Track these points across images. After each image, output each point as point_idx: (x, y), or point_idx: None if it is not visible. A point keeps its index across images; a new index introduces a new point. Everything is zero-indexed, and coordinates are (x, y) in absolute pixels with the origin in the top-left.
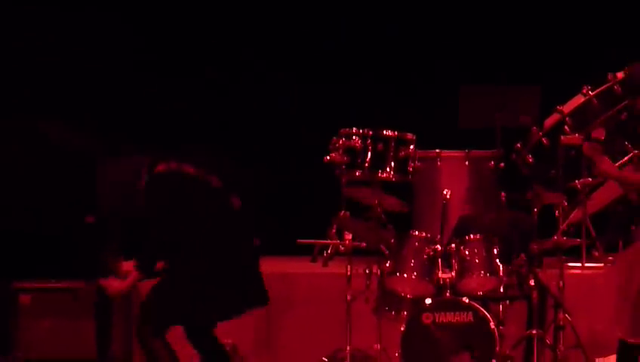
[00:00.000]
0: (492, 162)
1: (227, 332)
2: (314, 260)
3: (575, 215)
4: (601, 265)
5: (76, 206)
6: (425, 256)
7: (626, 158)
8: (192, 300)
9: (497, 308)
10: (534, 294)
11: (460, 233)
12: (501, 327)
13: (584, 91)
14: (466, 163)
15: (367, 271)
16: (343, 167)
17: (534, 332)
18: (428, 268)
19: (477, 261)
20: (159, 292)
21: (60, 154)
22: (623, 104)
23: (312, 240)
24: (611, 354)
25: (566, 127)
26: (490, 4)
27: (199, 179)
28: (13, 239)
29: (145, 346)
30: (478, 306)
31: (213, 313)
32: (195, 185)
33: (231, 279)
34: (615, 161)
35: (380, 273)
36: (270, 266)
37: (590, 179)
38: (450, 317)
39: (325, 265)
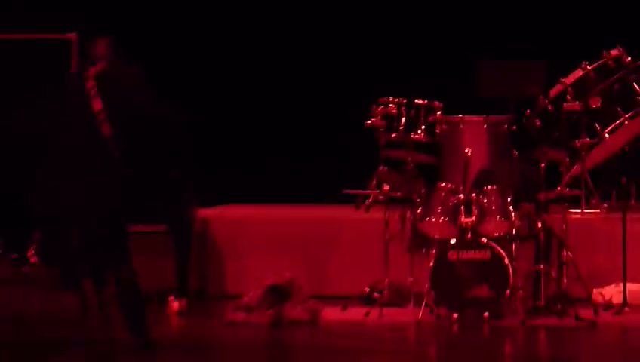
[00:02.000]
0: (506, 125)
1: (287, 268)
2: (357, 207)
3: (575, 169)
4: (598, 211)
5: (163, 163)
6: (450, 204)
7: (617, 122)
8: None
9: (511, 247)
10: (541, 235)
11: (479, 184)
12: (514, 263)
13: (583, 66)
14: (484, 126)
15: (401, 217)
16: (382, 130)
17: (541, 267)
18: (452, 214)
19: (493, 208)
20: None
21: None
22: (615, 77)
23: (356, 191)
24: (606, 285)
25: (568, 97)
26: None
27: None
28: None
29: None
30: (494, 245)
31: None
32: None
33: None
34: (609, 124)
35: (413, 218)
36: (322, 212)
37: (588, 140)
38: (471, 255)
39: (367, 211)
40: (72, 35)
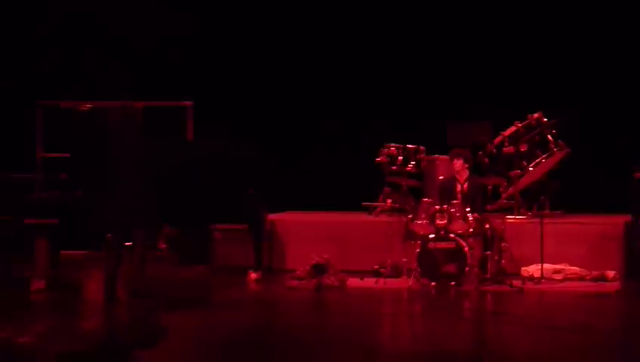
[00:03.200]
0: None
1: (324, 252)
2: (370, 213)
3: (510, 190)
4: (524, 217)
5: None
6: (430, 212)
7: (537, 160)
8: None
9: (468, 240)
10: (488, 232)
11: (445, 198)
12: (470, 250)
13: (515, 124)
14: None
15: (398, 219)
16: (386, 164)
17: (488, 253)
18: (431, 218)
19: (458, 214)
20: None
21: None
22: (536, 131)
23: (369, 203)
24: (530, 264)
25: (505, 143)
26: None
27: None
28: (213, 205)
29: None
30: (458, 239)
31: None
32: None
33: None
34: (531, 161)
35: (406, 221)
36: (347, 216)
37: (519, 171)
38: (443, 245)
39: (377, 216)
40: (188, 103)
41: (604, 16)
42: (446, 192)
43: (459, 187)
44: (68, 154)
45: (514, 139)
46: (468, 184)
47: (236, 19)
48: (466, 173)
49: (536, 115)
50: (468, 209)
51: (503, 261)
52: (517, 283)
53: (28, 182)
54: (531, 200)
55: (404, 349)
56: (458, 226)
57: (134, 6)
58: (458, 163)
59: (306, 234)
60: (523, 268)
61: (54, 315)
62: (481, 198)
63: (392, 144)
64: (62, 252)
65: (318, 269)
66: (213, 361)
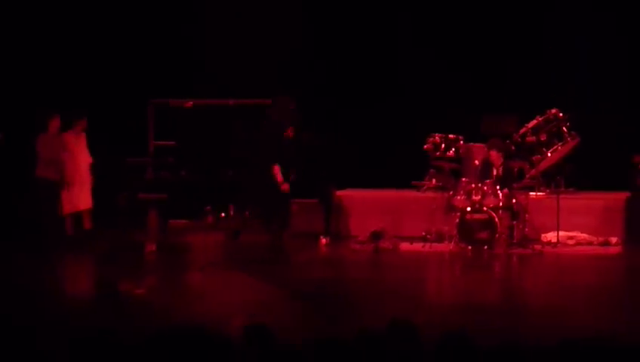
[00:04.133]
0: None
1: (381, 222)
2: (418, 190)
3: (532, 172)
4: (544, 193)
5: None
6: (467, 189)
7: (554, 147)
8: None
9: (498, 212)
10: (515, 206)
11: (482, 178)
12: (499, 221)
13: (536, 118)
14: (485, 149)
15: (441, 195)
16: (432, 150)
17: (514, 223)
18: (468, 195)
19: (490, 191)
20: None
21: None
22: (553, 124)
23: (418, 182)
24: (548, 232)
25: (528, 133)
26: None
27: None
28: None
29: None
30: (490, 211)
31: None
32: None
33: None
34: (550, 148)
35: (447, 196)
36: (400, 193)
37: (539, 156)
38: (478, 216)
39: (424, 193)
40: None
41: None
42: (483, 173)
43: (494, 171)
44: (174, 143)
45: (535, 130)
46: (502, 168)
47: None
48: (500, 160)
49: (553, 111)
50: (498, 187)
51: (527, 229)
52: (538, 247)
53: (142, 165)
54: (549, 179)
55: (445, 301)
56: (490, 201)
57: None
58: (493, 153)
59: (366, 207)
60: (543, 235)
61: (163, 272)
62: (510, 179)
63: (437, 134)
64: (170, 221)
65: (376, 235)
66: (289, 308)
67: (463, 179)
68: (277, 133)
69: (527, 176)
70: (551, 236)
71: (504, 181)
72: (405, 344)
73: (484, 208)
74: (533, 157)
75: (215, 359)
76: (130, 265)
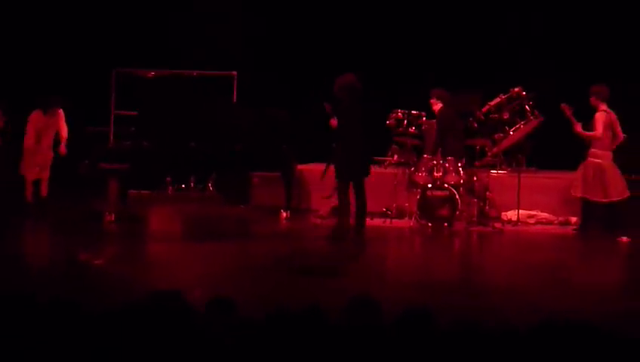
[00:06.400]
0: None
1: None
2: (380, 166)
3: (494, 150)
4: (505, 171)
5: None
6: (429, 166)
7: (517, 126)
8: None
9: (459, 189)
10: (476, 184)
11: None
12: (460, 198)
13: (499, 96)
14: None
15: (403, 171)
16: (394, 126)
17: (475, 200)
18: (430, 171)
19: (451, 168)
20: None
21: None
22: (516, 102)
23: (380, 158)
24: (509, 210)
25: (491, 111)
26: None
27: None
28: (254, 158)
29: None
30: (451, 188)
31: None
32: None
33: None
34: (512, 126)
35: (409, 172)
36: None
37: (501, 135)
38: (439, 193)
39: (385, 168)
40: (234, 73)
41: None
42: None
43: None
44: (136, 112)
45: (498, 108)
46: (437, 114)
47: None
48: (438, 106)
49: (516, 89)
50: (460, 164)
51: (487, 207)
52: (498, 225)
53: (103, 134)
54: (511, 158)
55: (405, 278)
56: (451, 178)
57: None
58: (433, 100)
59: (327, 181)
60: (503, 213)
61: (122, 243)
62: (453, 130)
63: (399, 110)
64: (130, 191)
65: (336, 210)
66: (246, 281)
67: (425, 155)
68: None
69: (489, 153)
70: (511, 214)
71: (440, 131)
72: (367, 321)
73: (445, 185)
74: (496, 135)
75: (179, 330)
76: (89, 235)
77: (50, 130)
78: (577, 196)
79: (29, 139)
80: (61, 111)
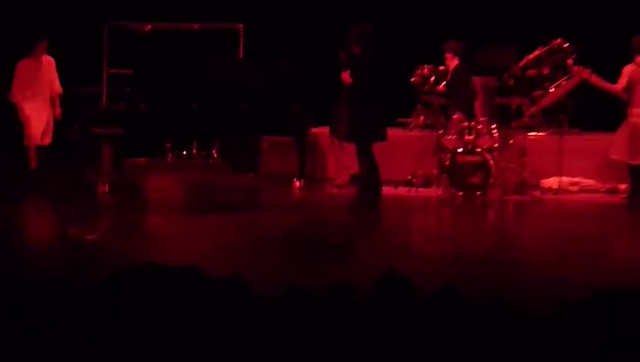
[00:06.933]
0: (492, 83)
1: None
2: (404, 129)
3: (532, 110)
4: (545, 133)
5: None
6: (459, 128)
7: (558, 82)
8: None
9: (493, 154)
10: (512, 148)
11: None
12: (494, 163)
13: (539, 48)
14: (480, 83)
15: (430, 135)
16: (420, 83)
17: (511, 166)
18: (460, 134)
19: (484, 131)
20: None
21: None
22: (557, 55)
23: (404, 119)
24: (549, 177)
25: (529, 66)
26: None
27: None
28: (263, 120)
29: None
30: (484, 152)
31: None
32: None
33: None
34: (553, 83)
35: (437, 136)
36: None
37: (541, 92)
38: (470, 158)
39: (410, 131)
40: (239, 25)
41: None
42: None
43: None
44: (131, 71)
45: (537, 62)
46: (452, 74)
47: None
48: (455, 62)
49: (558, 41)
50: (494, 126)
51: (525, 173)
52: (537, 193)
53: (95, 96)
54: (551, 118)
55: (433, 252)
56: (484, 141)
57: None
58: (449, 55)
59: (345, 146)
60: (543, 181)
61: (116, 215)
62: (467, 90)
63: (425, 65)
64: (125, 159)
65: (356, 178)
66: (256, 258)
67: (455, 116)
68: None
69: (527, 114)
70: (552, 181)
71: (458, 92)
72: (397, 300)
73: (478, 149)
74: (534, 93)
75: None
76: (81, 208)
77: (42, 82)
78: (611, 158)
79: (14, 92)
80: (52, 59)
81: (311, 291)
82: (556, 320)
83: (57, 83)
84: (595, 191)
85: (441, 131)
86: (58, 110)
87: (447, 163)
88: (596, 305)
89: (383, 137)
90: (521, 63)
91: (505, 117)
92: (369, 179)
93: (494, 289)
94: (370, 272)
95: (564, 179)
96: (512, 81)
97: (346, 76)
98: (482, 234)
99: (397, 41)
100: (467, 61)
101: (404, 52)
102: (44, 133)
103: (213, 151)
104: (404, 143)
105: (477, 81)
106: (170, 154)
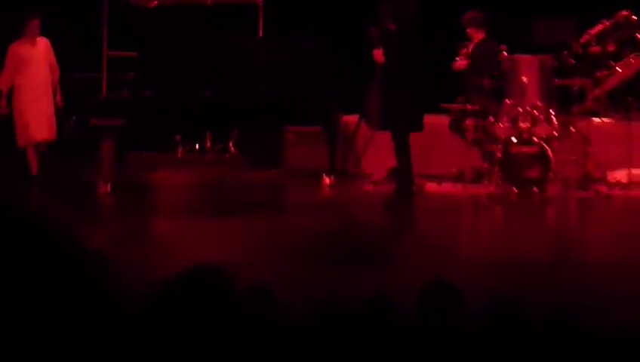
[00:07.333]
0: (549, 62)
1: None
2: (449, 115)
3: (596, 92)
4: (610, 120)
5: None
6: (512, 114)
7: (625, 60)
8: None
9: (552, 144)
10: (574, 136)
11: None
12: (552, 154)
13: (602, 22)
14: (535, 62)
15: (480, 122)
16: (464, 67)
17: (573, 157)
18: (514, 121)
19: (542, 117)
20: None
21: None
22: (624, 30)
23: (448, 105)
24: (617, 169)
25: (592, 42)
26: None
27: None
28: (286, 107)
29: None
30: (542, 142)
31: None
32: None
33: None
34: (619, 61)
35: (488, 124)
36: (426, 118)
37: (606, 72)
38: (526, 149)
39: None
40: (259, 0)
41: None
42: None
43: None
44: (135, 54)
45: (601, 38)
46: (474, 47)
47: None
48: (480, 36)
49: (624, 13)
50: (552, 111)
51: (589, 165)
52: (603, 188)
53: (94, 82)
54: (619, 102)
55: (484, 259)
56: (542, 130)
57: None
58: (472, 30)
59: (382, 136)
60: (609, 173)
61: (120, 218)
62: (488, 63)
63: (468, 43)
64: (129, 154)
65: (394, 173)
66: (281, 265)
67: (508, 101)
68: None
69: (590, 97)
70: (620, 174)
71: (477, 65)
72: (446, 312)
73: (535, 139)
74: (598, 73)
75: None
76: (80, 211)
77: (40, 68)
78: None
79: (3, 80)
80: (47, 41)
81: (344, 306)
82: (633, 339)
83: (56, 68)
84: None
85: (491, 118)
86: (59, 97)
87: (500, 155)
88: None
89: (418, 127)
90: (583, 39)
91: (565, 101)
92: (399, 173)
93: (557, 300)
94: (411, 282)
95: (634, 171)
96: (572, 60)
97: (378, 54)
98: (541, 236)
99: (441, 17)
100: (492, 34)
101: (450, 29)
102: (46, 127)
103: (230, 144)
104: (448, 133)
105: (531, 60)
106: (180, 149)
